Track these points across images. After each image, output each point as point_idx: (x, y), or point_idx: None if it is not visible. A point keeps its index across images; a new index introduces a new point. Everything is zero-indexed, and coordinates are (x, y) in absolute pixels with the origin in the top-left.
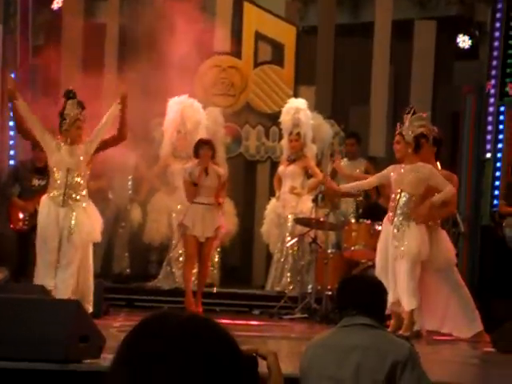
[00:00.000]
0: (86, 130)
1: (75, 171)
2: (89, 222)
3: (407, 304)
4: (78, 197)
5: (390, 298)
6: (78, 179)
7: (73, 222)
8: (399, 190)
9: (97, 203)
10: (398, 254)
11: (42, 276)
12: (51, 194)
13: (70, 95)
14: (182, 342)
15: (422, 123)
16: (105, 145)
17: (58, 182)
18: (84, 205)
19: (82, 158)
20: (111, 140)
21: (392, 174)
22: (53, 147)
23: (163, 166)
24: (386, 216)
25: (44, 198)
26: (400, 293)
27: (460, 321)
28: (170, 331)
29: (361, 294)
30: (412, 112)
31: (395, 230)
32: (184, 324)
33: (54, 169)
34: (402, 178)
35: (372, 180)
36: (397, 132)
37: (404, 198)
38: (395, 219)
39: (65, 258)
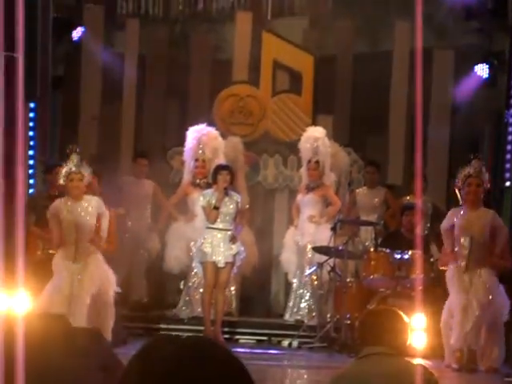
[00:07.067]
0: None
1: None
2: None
3: None
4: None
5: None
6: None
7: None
8: (469, 237)
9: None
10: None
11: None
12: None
13: None
14: (188, 362)
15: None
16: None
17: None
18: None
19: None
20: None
21: (454, 219)
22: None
23: (182, 194)
24: (455, 266)
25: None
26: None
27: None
28: (175, 353)
29: (380, 328)
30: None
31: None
32: (188, 345)
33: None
34: (471, 225)
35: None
36: (471, 177)
37: (476, 245)
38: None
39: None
